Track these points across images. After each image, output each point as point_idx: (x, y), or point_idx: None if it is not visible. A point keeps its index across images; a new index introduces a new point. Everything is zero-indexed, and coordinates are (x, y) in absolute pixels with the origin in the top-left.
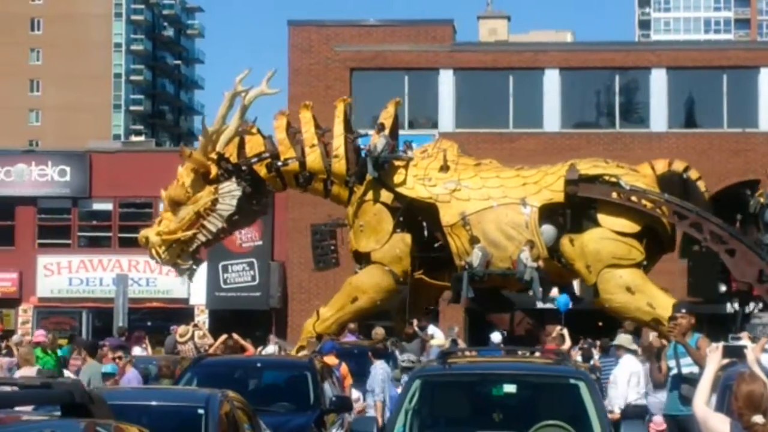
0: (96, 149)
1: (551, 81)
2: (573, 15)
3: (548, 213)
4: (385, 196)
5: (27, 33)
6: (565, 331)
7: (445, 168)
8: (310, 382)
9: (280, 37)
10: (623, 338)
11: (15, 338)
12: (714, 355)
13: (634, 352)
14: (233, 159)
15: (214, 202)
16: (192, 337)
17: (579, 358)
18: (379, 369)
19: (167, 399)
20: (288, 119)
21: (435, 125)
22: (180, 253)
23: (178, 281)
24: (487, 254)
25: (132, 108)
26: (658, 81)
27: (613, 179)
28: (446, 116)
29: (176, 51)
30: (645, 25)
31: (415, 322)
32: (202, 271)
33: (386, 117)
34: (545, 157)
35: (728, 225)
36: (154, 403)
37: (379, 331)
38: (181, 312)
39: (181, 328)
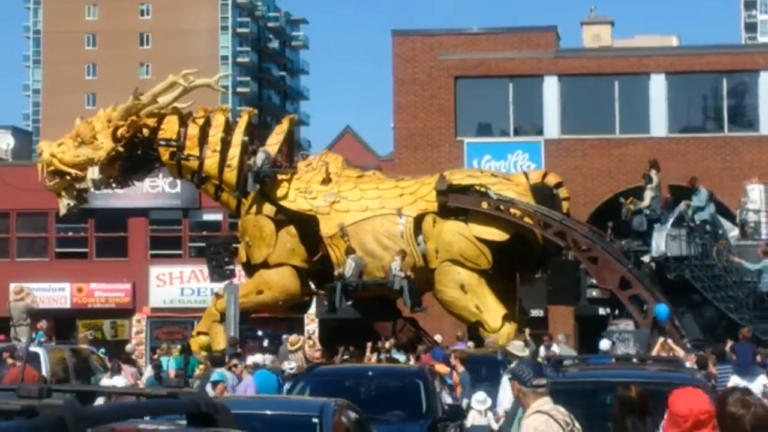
0: None
1: (657, 86)
2: (678, 19)
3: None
4: (269, 209)
5: (136, 48)
6: (671, 341)
7: (326, 180)
8: (423, 391)
9: (384, 47)
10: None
11: (128, 347)
12: None
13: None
14: (146, 132)
15: (105, 161)
16: (303, 347)
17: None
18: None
19: (282, 408)
20: (208, 117)
21: (540, 132)
22: (67, 188)
23: None
24: (360, 264)
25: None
26: (767, 84)
27: (483, 189)
28: (551, 123)
29: (281, 62)
30: (751, 27)
31: (527, 330)
32: None
33: (279, 132)
34: None
35: (593, 233)
36: (269, 412)
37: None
38: (291, 321)
39: (292, 337)
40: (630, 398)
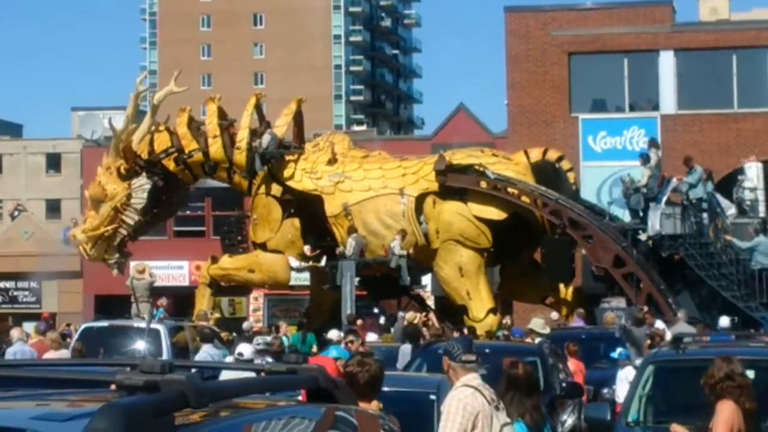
0: None
1: None
2: None
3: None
4: (276, 189)
5: (250, 28)
6: None
7: (332, 161)
8: (540, 367)
9: (496, 24)
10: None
11: (245, 325)
12: None
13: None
14: (144, 156)
15: (129, 197)
16: (419, 324)
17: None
18: None
19: (399, 384)
20: (190, 115)
21: (656, 108)
22: (107, 249)
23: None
24: (361, 243)
25: (352, 98)
26: None
27: (481, 168)
28: (668, 98)
29: (394, 41)
30: None
31: (644, 308)
32: None
33: (287, 113)
34: None
35: (588, 212)
36: (385, 388)
37: (609, 316)
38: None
39: (409, 314)
40: (516, 375)
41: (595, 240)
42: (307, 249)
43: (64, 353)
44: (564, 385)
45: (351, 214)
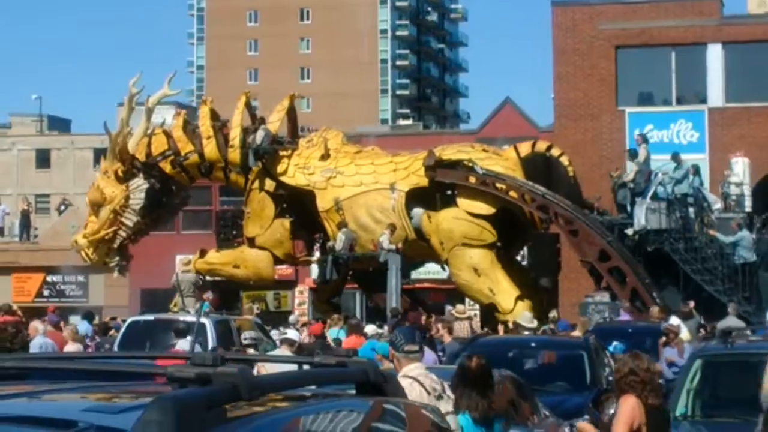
0: (365, 133)
1: None
2: None
3: (418, 196)
4: (270, 184)
5: (297, 23)
6: None
7: (325, 156)
8: (586, 362)
9: (543, 18)
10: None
11: (291, 318)
12: None
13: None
14: (141, 158)
15: (127, 198)
16: (471, 317)
17: None
18: None
19: (446, 378)
20: (185, 118)
21: (704, 101)
22: (107, 252)
23: None
24: (351, 238)
25: (398, 92)
26: None
27: (470, 164)
28: (715, 91)
29: (440, 35)
30: None
31: (691, 303)
32: None
33: (279, 110)
34: None
35: (575, 207)
36: None
37: (654, 310)
38: (452, 292)
39: (459, 307)
40: (468, 368)
41: (580, 234)
42: (300, 249)
43: (79, 347)
44: (610, 378)
45: (342, 209)
